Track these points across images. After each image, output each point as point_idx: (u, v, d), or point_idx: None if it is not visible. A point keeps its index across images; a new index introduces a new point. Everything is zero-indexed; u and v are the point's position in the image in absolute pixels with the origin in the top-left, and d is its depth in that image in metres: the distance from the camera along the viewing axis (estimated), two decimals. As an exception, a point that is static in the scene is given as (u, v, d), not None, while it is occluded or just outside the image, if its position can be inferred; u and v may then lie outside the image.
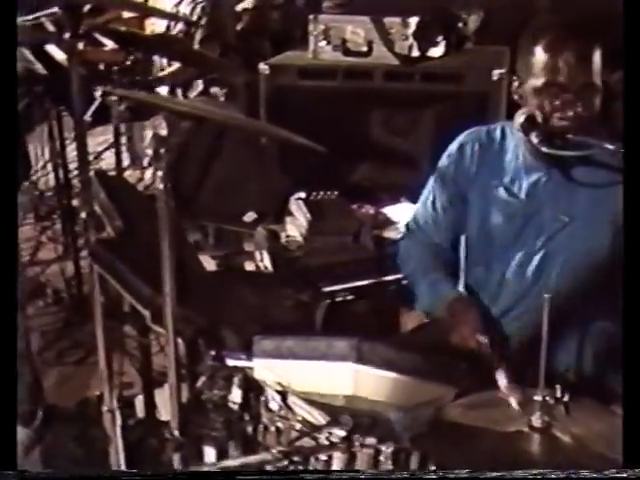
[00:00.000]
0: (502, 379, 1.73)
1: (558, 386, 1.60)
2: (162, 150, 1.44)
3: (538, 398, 1.54)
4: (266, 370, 1.63)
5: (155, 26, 4.24)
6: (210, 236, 3.58)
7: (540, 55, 2.03)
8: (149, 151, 1.38)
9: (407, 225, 2.48)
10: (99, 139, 4.37)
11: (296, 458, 1.47)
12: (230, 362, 1.69)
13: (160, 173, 1.47)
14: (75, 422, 2.95)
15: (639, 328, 1.38)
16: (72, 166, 3.93)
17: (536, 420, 1.56)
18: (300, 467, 1.46)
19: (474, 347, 2.06)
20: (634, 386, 1.36)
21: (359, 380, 1.55)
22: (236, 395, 1.79)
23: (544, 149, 1.91)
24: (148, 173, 4.47)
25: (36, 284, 3.84)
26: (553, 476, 1.36)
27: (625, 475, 1.37)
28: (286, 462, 1.47)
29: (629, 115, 1.52)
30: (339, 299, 2.73)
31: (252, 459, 1.50)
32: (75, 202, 3.91)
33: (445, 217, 2.35)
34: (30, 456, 2.83)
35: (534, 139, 1.91)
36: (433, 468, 1.62)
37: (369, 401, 1.58)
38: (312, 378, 1.59)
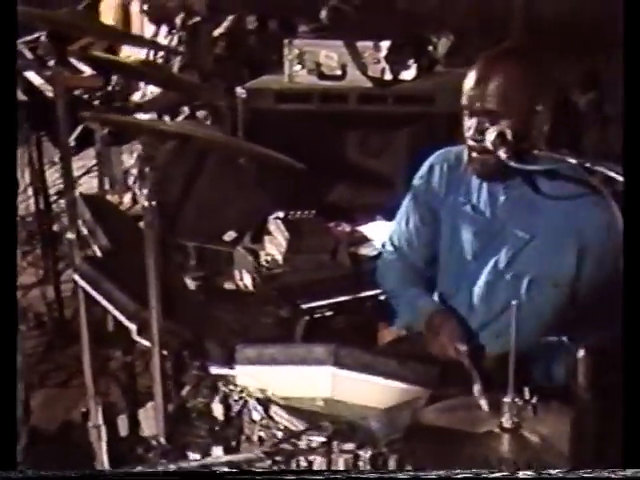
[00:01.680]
0: (476, 386, 1.81)
1: (526, 389, 1.67)
2: (147, 169, 1.52)
3: (507, 400, 1.62)
4: (248, 377, 1.69)
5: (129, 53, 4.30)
6: (191, 258, 3.63)
7: (468, 80, 2.13)
8: (134, 170, 1.45)
9: (384, 244, 2.56)
10: (77, 164, 4.42)
11: (278, 458, 1.54)
12: (214, 370, 1.76)
13: (145, 191, 1.54)
14: (59, 443, 2.98)
15: (638, 330, 1.40)
16: (51, 191, 4.02)
17: (506, 421, 1.64)
18: (282, 466, 1.53)
19: (452, 356, 2.14)
20: (634, 386, 1.37)
21: (337, 383, 1.62)
22: (218, 410, 1.85)
23: (512, 164, 1.99)
24: (127, 197, 4.52)
25: (17, 308, 3.86)
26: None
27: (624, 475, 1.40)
28: (269, 462, 1.53)
29: (629, 125, 1.57)
30: (318, 315, 2.79)
31: (236, 458, 1.56)
32: (55, 227, 3.96)
33: (418, 236, 2.43)
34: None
35: (502, 155, 2.00)
36: (408, 468, 1.68)
37: (347, 404, 1.65)
38: (293, 383, 1.65)
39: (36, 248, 4.35)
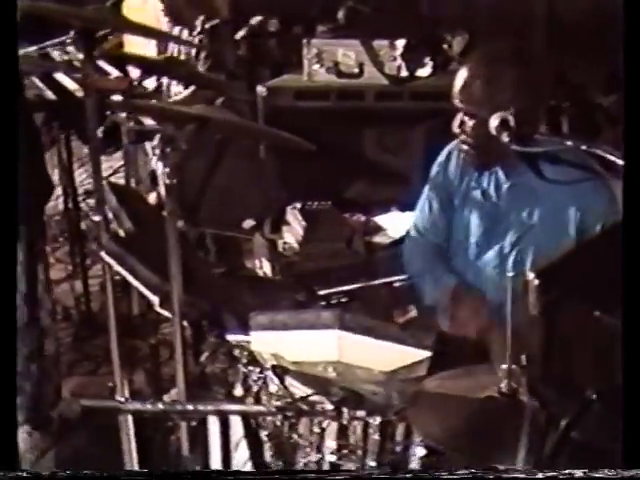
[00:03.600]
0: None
1: (523, 356, 1.76)
2: (168, 149, 1.64)
3: (504, 367, 1.72)
4: (262, 343, 1.80)
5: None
6: (212, 253, 3.74)
7: (455, 80, 2.30)
8: (157, 151, 1.57)
9: (408, 231, 2.68)
10: (103, 165, 4.54)
11: (289, 413, 1.64)
12: (230, 337, 1.87)
13: (167, 170, 1.66)
14: (88, 426, 3.10)
15: (639, 325, 1.39)
16: (80, 191, 4.15)
17: (505, 386, 1.73)
18: (293, 420, 1.64)
19: (478, 327, 2.25)
20: (634, 387, 1.37)
21: (343, 346, 1.72)
22: (239, 390, 1.97)
23: (513, 147, 2.10)
24: (152, 196, 4.64)
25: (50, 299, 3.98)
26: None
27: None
28: (280, 417, 1.64)
29: (629, 123, 1.63)
30: (334, 301, 2.89)
31: (249, 409, 1.67)
32: (83, 225, 4.09)
33: (440, 220, 2.55)
34: (45, 459, 2.98)
35: (505, 139, 2.11)
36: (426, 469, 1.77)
37: (353, 367, 1.76)
38: (303, 347, 1.76)
39: (65, 245, 4.50)
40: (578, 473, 1.44)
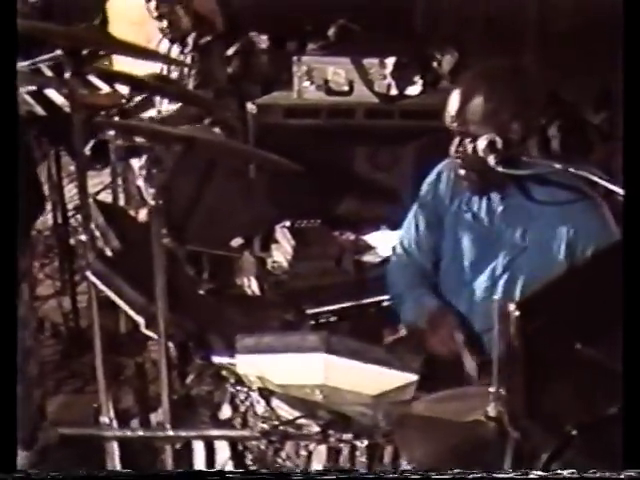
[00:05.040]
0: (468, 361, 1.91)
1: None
2: (154, 170, 1.63)
3: (492, 390, 1.71)
4: (248, 365, 1.79)
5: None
6: (201, 271, 3.72)
7: (449, 102, 2.28)
8: (143, 171, 1.56)
9: (394, 248, 2.67)
10: (94, 181, 4.53)
11: (274, 438, 1.63)
12: (216, 359, 1.86)
13: (152, 191, 1.65)
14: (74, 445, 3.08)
15: (638, 331, 1.41)
16: (69, 206, 4.14)
17: (492, 410, 1.72)
18: (278, 445, 1.62)
19: (451, 348, 2.26)
20: (634, 387, 1.39)
21: (329, 369, 1.71)
22: (227, 411, 1.96)
23: (499, 169, 2.09)
24: (142, 213, 4.62)
25: (34, 318, 3.96)
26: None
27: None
28: (264, 441, 1.63)
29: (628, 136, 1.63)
30: (322, 320, 2.89)
31: (232, 433, 1.66)
32: (72, 241, 4.07)
33: (426, 240, 2.54)
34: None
35: (492, 161, 2.11)
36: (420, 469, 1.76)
37: (340, 390, 1.74)
38: (289, 370, 1.75)
39: (54, 261, 4.47)
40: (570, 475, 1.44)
